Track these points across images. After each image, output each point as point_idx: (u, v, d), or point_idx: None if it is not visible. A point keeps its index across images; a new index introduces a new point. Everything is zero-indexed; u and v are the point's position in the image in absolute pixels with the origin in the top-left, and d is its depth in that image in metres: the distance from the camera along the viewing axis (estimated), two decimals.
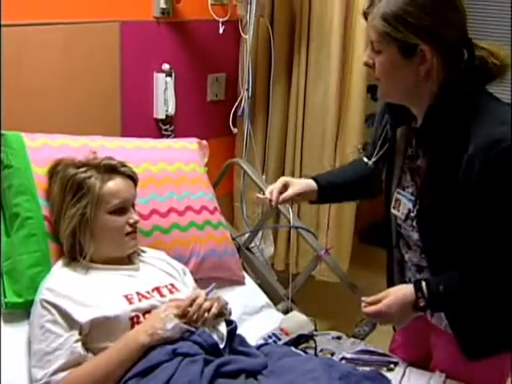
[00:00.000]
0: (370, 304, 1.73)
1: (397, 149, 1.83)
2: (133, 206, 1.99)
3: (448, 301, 1.70)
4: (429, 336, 1.98)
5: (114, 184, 1.93)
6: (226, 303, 1.86)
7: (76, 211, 1.89)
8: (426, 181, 1.72)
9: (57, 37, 2.43)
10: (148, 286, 1.91)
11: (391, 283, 1.98)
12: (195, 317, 1.76)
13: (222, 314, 1.83)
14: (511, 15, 3.63)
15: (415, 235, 1.79)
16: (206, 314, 1.78)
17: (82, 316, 1.75)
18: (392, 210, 1.84)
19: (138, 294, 1.87)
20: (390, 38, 1.57)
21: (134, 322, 1.79)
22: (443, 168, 1.65)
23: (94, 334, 1.76)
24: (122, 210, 1.93)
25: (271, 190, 2.03)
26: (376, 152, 1.90)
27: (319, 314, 2.34)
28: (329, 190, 2.10)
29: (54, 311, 1.76)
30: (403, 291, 1.71)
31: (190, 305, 1.78)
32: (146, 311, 1.83)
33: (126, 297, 1.84)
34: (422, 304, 1.67)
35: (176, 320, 1.74)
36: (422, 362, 2.03)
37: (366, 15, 1.64)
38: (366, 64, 1.67)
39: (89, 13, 2.52)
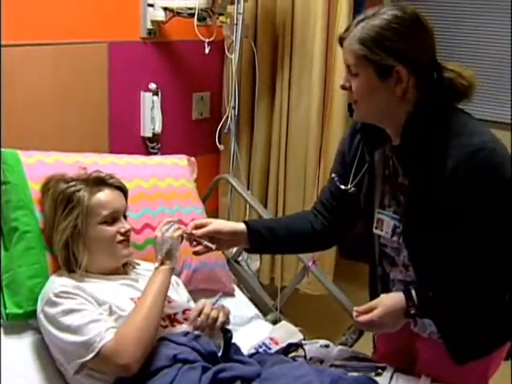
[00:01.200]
0: (362, 313, 1.77)
1: (376, 172, 1.86)
2: (124, 216, 2.04)
3: (437, 307, 1.76)
4: (412, 344, 2.03)
5: (103, 195, 1.98)
6: (229, 312, 1.94)
7: (68, 224, 1.94)
8: (409, 197, 1.76)
9: (47, 57, 2.49)
10: None
11: (374, 297, 1.98)
12: (204, 325, 1.84)
13: (227, 322, 1.90)
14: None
15: (403, 251, 1.83)
16: (214, 323, 1.86)
17: (102, 310, 1.81)
18: (375, 231, 1.87)
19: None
20: (367, 61, 1.63)
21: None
22: (425, 183, 1.69)
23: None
24: (112, 220, 1.97)
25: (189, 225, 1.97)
26: (353, 177, 1.91)
27: (306, 324, 2.40)
28: (259, 234, 1.98)
29: (76, 297, 1.80)
30: (394, 300, 1.74)
31: (198, 315, 1.86)
32: None
33: (132, 299, 1.90)
34: (412, 312, 1.72)
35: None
36: (406, 370, 2.07)
37: (341, 41, 1.69)
38: (343, 87, 1.71)
39: (78, 34, 2.58)
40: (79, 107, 2.64)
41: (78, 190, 1.96)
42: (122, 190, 2.07)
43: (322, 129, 3.15)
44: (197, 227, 1.93)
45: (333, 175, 1.98)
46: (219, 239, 1.94)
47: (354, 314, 1.78)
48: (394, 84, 1.65)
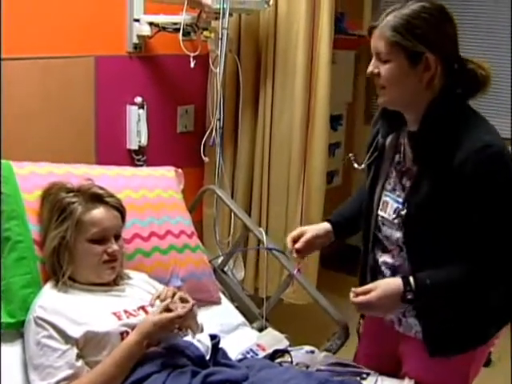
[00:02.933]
0: (360, 294, 1.80)
1: (385, 155, 1.96)
2: (116, 236, 2.04)
3: (433, 294, 1.81)
4: (397, 345, 2.08)
5: (96, 213, 1.99)
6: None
7: (57, 233, 1.97)
8: (416, 183, 1.83)
9: (35, 71, 2.53)
10: (134, 305, 2.00)
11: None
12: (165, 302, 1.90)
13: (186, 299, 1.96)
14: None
15: (398, 234, 1.89)
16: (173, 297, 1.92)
17: (75, 332, 1.83)
18: (379, 212, 1.95)
19: (125, 311, 1.95)
20: (399, 47, 1.73)
21: (123, 337, 1.87)
22: (434, 170, 1.77)
23: (87, 348, 1.84)
24: (101, 239, 1.99)
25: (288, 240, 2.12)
26: (367, 158, 2.01)
27: (290, 333, 2.42)
28: (342, 227, 2.18)
29: (48, 327, 1.83)
30: (392, 284, 1.80)
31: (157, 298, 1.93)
32: (134, 327, 1.92)
33: (115, 314, 1.92)
34: (409, 297, 1.77)
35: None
36: (392, 371, 2.11)
37: (371, 30, 1.79)
38: (371, 73, 1.81)
39: (65, 48, 2.63)
40: (66, 120, 2.68)
41: (74, 203, 1.99)
42: (119, 210, 2.08)
43: (304, 141, 3.21)
44: (294, 240, 2.08)
45: (350, 155, 2.09)
46: (312, 244, 2.10)
47: (352, 294, 1.82)
48: (422, 71, 1.75)
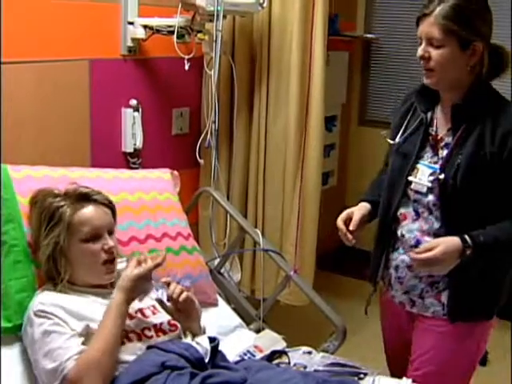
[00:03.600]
0: (422, 252, 1.95)
1: (420, 129, 2.12)
2: (110, 232, 2.03)
3: (489, 248, 1.98)
4: (408, 325, 2.23)
5: (85, 212, 1.99)
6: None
7: (50, 240, 1.96)
8: (455, 149, 2.01)
9: (29, 75, 2.53)
10: (131, 308, 1.99)
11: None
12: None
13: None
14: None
15: (429, 197, 2.06)
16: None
17: (77, 326, 1.85)
18: (410, 178, 2.09)
19: None
20: (453, 34, 1.92)
21: (122, 336, 1.88)
22: (474, 139, 1.97)
23: (87, 345, 1.84)
24: (94, 237, 1.98)
25: (339, 228, 2.23)
26: (402, 133, 2.16)
27: (288, 334, 2.43)
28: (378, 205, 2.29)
29: (51, 316, 1.85)
30: (452, 241, 1.95)
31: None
32: (132, 330, 1.94)
33: None
34: (468, 252, 1.94)
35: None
36: (403, 349, 2.27)
37: (424, 17, 1.96)
38: (422, 57, 1.98)
39: (59, 52, 2.63)
40: (61, 124, 2.68)
41: (62, 206, 1.98)
42: (108, 206, 2.08)
43: (299, 142, 3.22)
44: (345, 221, 2.20)
45: (382, 132, 2.28)
46: (361, 223, 2.22)
47: (412, 254, 1.98)
48: (469, 56, 1.96)
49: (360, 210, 2.25)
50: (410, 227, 2.12)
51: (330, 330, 2.41)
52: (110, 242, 2.00)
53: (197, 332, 2.03)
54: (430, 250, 1.93)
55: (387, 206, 2.18)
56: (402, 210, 2.14)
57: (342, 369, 2.16)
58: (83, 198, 2.02)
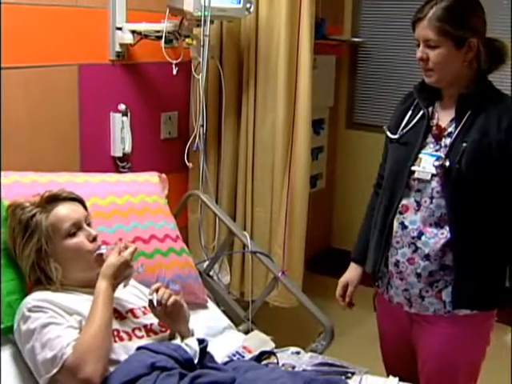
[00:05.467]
0: None
1: (422, 123, 2.18)
2: (88, 224, 2.06)
3: None
4: (409, 327, 2.27)
5: (59, 210, 2.01)
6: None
7: (30, 250, 1.98)
8: (457, 138, 2.08)
9: (18, 80, 2.54)
10: (122, 308, 2.03)
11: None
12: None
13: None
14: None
15: (433, 184, 2.11)
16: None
17: (72, 321, 1.88)
18: (413, 167, 2.14)
19: (115, 310, 1.98)
20: (448, 35, 2.00)
21: (113, 335, 1.91)
22: (480, 128, 2.05)
23: None
24: (75, 230, 2.01)
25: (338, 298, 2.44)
26: (402, 127, 2.23)
27: (276, 336, 2.45)
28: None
29: (47, 310, 1.87)
30: None
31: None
32: (123, 330, 1.96)
33: None
34: None
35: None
36: (402, 349, 2.33)
37: (418, 21, 2.05)
38: (421, 58, 2.07)
39: (48, 57, 2.65)
40: (51, 129, 2.70)
41: (34, 215, 2.00)
42: (77, 199, 2.11)
43: (287, 146, 3.25)
44: (342, 295, 2.42)
45: (384, 127, 2.32)
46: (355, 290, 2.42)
47: None
48: (466, 52, 2.04)
49: (353, 280, 2.41)
50: (412, 218, 2.16)
51: (318, 331, 2.44)
52: (93, 232, 2.04)
53: (185, 335, 2.05)
54: None
55: (390, 199, 2.22)
56: (403, 201, 2.18)
57: (329, 368, 2.18)
58: (51, 200, 2.05)
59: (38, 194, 2.11)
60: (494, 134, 2.03)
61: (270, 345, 2.35)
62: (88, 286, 2.02)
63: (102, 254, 2.02)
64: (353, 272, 2.42)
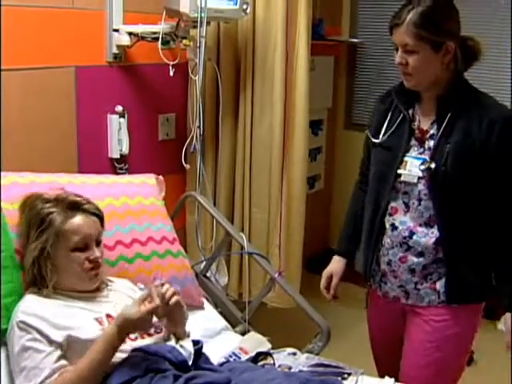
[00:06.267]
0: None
1: (403, 125, 2.19)
2: (98, 242, 2.05)
3: None
4: (403, 318, 2.30)
5: (76, 221, 2.00)
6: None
7: (37, 245, 1.98)
8: (440, 139, 2.10)
9: (15, 82, 2.55)
10: (117, 311, 2.00)
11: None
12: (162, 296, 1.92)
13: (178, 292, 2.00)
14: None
15: (419, 187, 2.14)
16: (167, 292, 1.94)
17: (58, 336, 1.86)
18: (399, 171, 2.17)
19: (107, 316, 1.98)
20: (425, 40, 2.02)
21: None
22: (461, 128, 2.07)
23: (70, 353, 1.86)
24: (83, 246, 2.00)
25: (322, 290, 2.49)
26: (384, 131, 2.24)
27: (273, 337, 2.46)
28: (352, 251, 2.48)
29: (31, 330, 1.86)
30: None
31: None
32: None
33: (97, 319, 1.95)
34: None
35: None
36: (394, 346, 2.35)
37: (395, 27, 2.06)
38: (400, 63, 2.09)
39: (46, 59, 2.66)
40: (48, 130, 2.71)
41: (52, 213, 2.00)
42: (98, 216, 2.09)
43: (284, 147, 3.25)
44: (326, 287, 2.46)
45: (366, 131, 2.33)
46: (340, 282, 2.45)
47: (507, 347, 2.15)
48: (443, 55, 2.06)
49: (337, 272, 2.45)
50: (402, 219, 2.19)
51: (315, 332, 2.44)
52: (97, 253, 2.02)
53: (181, 337, 2.05)
54: None
55: (377, 201, 2.25)
56: (392, 204, 2.21)
57: (326, 369, 2.19)
58: (73, 206, 2.04)
59: (62, 188, 2.13)
60: (476, 133, 2.06)
61: (266, 346, 2.36)
62: (81, 292, 2.03)
63: (97, 274, 2.02)
64: (336, 264, 2.46)
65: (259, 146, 3.30)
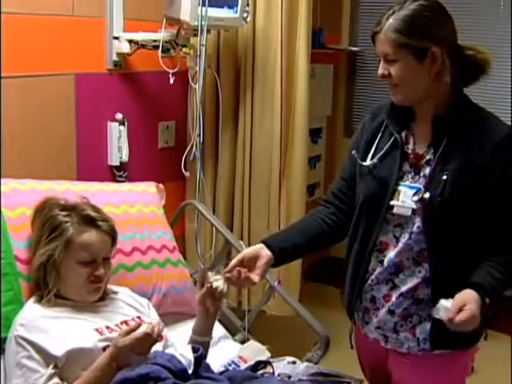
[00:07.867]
0: (456, 314, 1.77)
1: (396, 149, 1.96)
2: (106, 259, 2.05)
3: (496, 291, 1.86)
4: (386, 361, 2.09)
5: (87, 237, 2.00)
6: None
7: (46, 250, 1.98)
8: (436, 166, 1.88)
9: (15, 89, 2.55)
10: (117, 320, 2.02)
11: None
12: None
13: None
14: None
15: (413, 220, 1.91)
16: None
17: (57, 349, 1.85)
18: (392, 202, 1.93)
19: (107, 327, 1.97)
20: (406, 46, 1.82)
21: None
22: (460, 153, 1.86)
23: (69, 365, 1.85)
24: (89, 261, 2.00)
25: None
26: (372, 154, 2.00)
27: (273, 345, 2.45)
28: (286, 251, 2.07)
29: (28, 347, 1.85)
30: (471, 293, 1.81)
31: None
32: None
33: (97, 330, 1.95)
34: (487, 300, 1.81)
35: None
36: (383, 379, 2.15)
37: (375, 35, 1.87)
38: (383, 75, 1.89)
39: (46, 66, 2.66)
40: (48, 138, 2.70)
41: (66, 222, 2.00)
42: (111, 235, 2.08)
43: (284, 154, 3.25)
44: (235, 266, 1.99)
45: (353, 152, 2.07)
46: (250, 266, 1.99)
47: (446, 318, 1.78)
48: (430, 64, 1.83)
49: (267, 262, 2.01)
50: (390, 254, 1.97)
51: (314, 340, 2.43)
52: (101, 270, 2.02)
53: (206, 334, 2.06)
54: (460, 310, 1.77)
55: (365, 235, 2.01)
56: (381, 238, 1.98)
57: (325, 378, 2.18)
58: (89, 221, 2.03)
59: (84, 197, 2.14)
60: (477, 158, 1.84)
61: (265, 354, 2.35)
62: (82, 302, 2.03)
63: (99, 288, 2.02)
64: (261, 252, 2.02)
65: (259, 154, 3.31)
